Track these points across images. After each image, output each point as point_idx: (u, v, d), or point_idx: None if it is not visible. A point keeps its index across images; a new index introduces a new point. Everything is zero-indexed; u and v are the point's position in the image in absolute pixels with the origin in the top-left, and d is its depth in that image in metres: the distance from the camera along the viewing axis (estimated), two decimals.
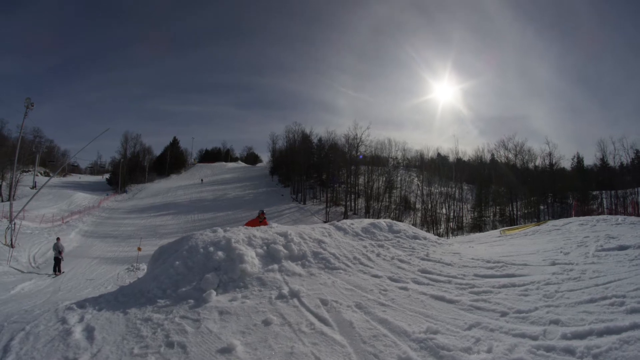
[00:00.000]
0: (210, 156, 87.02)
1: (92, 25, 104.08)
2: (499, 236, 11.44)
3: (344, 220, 8.94)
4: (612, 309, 3.46)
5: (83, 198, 49.47)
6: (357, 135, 55.01)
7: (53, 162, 63.04)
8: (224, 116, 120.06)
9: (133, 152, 69.55)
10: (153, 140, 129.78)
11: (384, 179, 52.75)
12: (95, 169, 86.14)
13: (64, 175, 67.22)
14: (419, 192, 52.68)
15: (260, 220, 9.45)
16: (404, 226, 8.89)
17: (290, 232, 6.70)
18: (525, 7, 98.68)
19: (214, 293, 4.66)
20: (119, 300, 4.82)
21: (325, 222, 45.45)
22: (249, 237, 6.18)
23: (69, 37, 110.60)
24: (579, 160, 50.01)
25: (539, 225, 11.82)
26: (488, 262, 6.05)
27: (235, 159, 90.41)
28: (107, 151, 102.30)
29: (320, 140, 61.88)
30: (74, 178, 70.01)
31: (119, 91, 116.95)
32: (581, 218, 11.43)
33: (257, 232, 6.60)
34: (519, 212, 47.15)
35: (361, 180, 53.89)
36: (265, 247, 5.98)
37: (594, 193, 45.85)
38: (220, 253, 5.51)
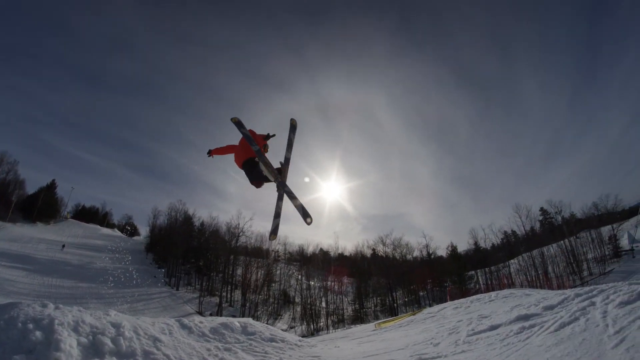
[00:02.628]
0: (87, 214, 74.73)
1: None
2: (374, 330, 11.46)
3: (194, 317, 8.06)
4: None
5: None
6: (239, 224, 54.24)
7: None
8: (111, 174, 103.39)
9: (3, 180, 55.72)
10: (30, 174, 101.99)
11: (263, 271, 51.61)
12: None
13: None
14: (297, 286, 52.43)
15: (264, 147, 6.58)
16: (261, 327, 8.40)
17: (124, 324, 5.70)
18: (412, 119, 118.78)
19: None
20: None
21: (198, 312, 41.54)
22: (76, 322, 5.12)
23: None
24: (453, 248, 56.58)
25: (414, 314, 12.40)
26: None
27: (112, 225, 78.63)
28: None
29: (202, 224, 59.10)
30: None
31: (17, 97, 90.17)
32: (456, 302, 12.45)
33: (90, 317, 5.51)
34: (399, 301, 49.98)
35: (239, 271, 51.52)
36: (91, 337, 5.13)
37: (470, 273, 51.98)
38: (38, 333, 4.72)
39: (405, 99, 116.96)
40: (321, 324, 46.47)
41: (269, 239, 5.48)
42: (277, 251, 59.39)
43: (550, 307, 6.06)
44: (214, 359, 5.94)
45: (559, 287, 32.04)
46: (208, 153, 6.14)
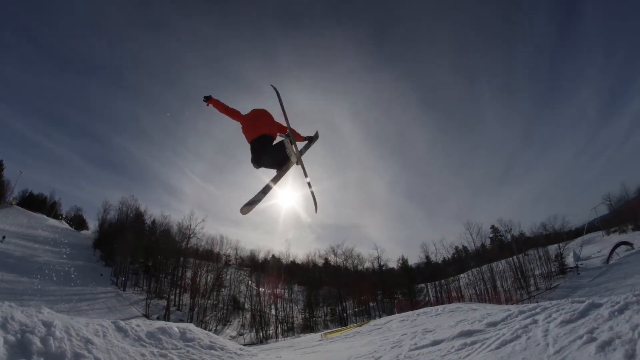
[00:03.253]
0: (34, 202, 68.52)
1: None
2: (320, 340, 11.28)
3: (132, 320, 7.42)
4: None
5: None
6: (190, 225, 52.03)
7: None
8: (64, 161, 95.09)
9: None
10: None
11: (213, 275, 49.95)
12: None
13: None
14: (247, 292, 51.14)
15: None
16: (201, 334, 8.01)
17: (56, 323, 5.19)
18: (374, 134, 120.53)
19: None
20: None
21: (144, 315, 39.38)
22: (5, 318, 4.71)
23: None
24: (404, 261, 57.42)
25: (360, 326, 12.21)
26: None
27: (59, 216, 72.57)
28: None
29: (153, 222, 56.10)
30: None
31: None
32: (403, 314, 12.33)
33: (20, 314, 4.97)
34: (349, 311, 49.96)
35: (189, 274, 49.53)
36: (19, 335, 4.63)
37: (420, 286, 53.01)
38: None
39: (368, 112, 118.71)
40: (270, 331, 45.38)
41: (240, 211, 4.76)
42: (229, 255, 57.68)
43: (494, 324, 5.91)
44: None
45: (506, 301, 33.32)
46: (206, 99, 5.33)
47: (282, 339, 39.21)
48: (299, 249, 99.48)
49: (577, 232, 51.97)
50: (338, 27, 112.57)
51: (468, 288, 46.47)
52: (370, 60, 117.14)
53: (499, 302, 30.17)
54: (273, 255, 60.53)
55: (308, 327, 45.90)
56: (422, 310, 12.81)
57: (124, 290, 45.81)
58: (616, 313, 3.96)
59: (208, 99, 5.32)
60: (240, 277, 53.99)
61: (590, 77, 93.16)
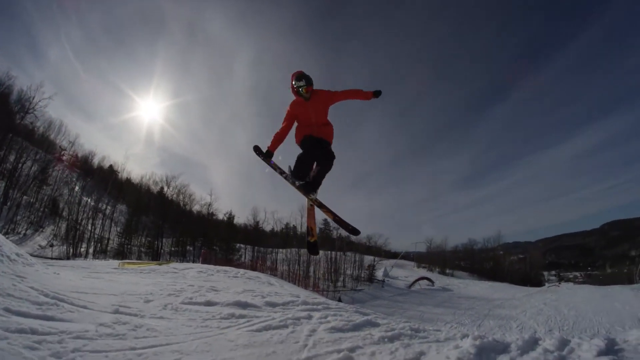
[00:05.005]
0: None
1: None
2: (116, 268, 10.06)
3: None
4: None
5: None
6: (34, 98, 39.57)
7: None
8: None
9: None
10: None
11: (38, 167, 40.46)
12: None
13: None
14: (70, 199, 43.12)
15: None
16: None
17: None
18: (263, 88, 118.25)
19: None
20: None
21: None
22: None
23: None
24: (231, 216, 56.29)
25: (160, 264, 11.18)
26: (46, 295, 4.50)
27: None
28: None
29: None
30: None
31: None
32: (204, 266, 11.61)
33: None
34: (166, 249, 47.11)
35: (12, 157, 38.70)
36: None
37: (239, 245, 52.97)
38: None
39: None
40: (82, 249, 38.96)
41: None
42: (63, 149, 47.22)
43: (273, 305, 5.53)
44: None
45: (313, 287, 35.94)
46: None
47: (92, 259, 34.16)
48: (139, 167, 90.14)
49: (394, 255, 61.35)
50: None
51: (283, 263, 48.74)
52: None
53: (305, 286, 32.30)
54: (111, 166, 52.10)
55: (121, 253, 40.92)
56: (223, 267, 12.25)
57: None
58: (386, 340, 3.81)
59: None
60: (67, 179, 44.62)
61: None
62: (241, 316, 4.71)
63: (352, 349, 3.42)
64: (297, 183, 4.26)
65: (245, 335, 3.88)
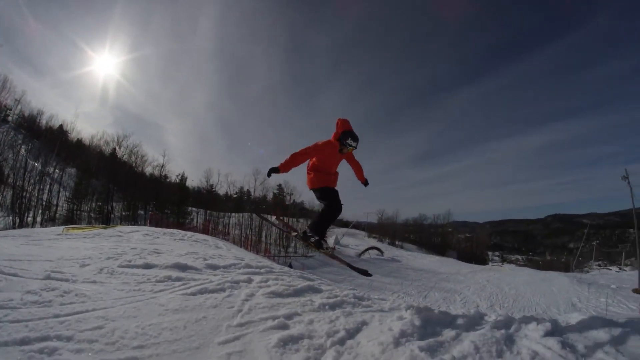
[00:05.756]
0: None
1: None
2: (59, 234, 9.31)
3: None
4: None
5: None
6: None
7: None
8: None
9: None
10: None
11: None
12: None
13: None
14: (17, 164, 38.83)
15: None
16: None
17: None
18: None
19: None
20: None
21: None
22: None
23: None
24: (183, 178, 54.40)
25: (105, 228, 10.49)
26: None
27: None
28: None
29: None
30: None
31: None
32: (151, 229, 11.09)
33: None
34: (117, 213, 44.85)
35: None
36: None
37: (191, 209, 51.64)
38: None
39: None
40: (29, 218, 35.64)
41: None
42: (8, 108, 42.15)
43: (214, 267, 5.28)
44: None
45: (265, 252, 35.90)
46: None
47: (39, 227, 31.44)
48: (91, 127, 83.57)
49: (346, 223, 62.50)
50: None
51: (235, 228, 48.33)
52: None
53: (257, 251, 32.14)
54: (60, 126, 47.31)
55: (70, 219, 37.97)
56: (170, 230, 11.76)
57: None
58: (327, 307, 3.71)
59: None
60: (13, 141, 39.80)
61: None
62: (178, 279, 4.44)
63: (288, 316, 3.30)
64: (312, 239, 4.25)
65: (178, 299, 3.63)
